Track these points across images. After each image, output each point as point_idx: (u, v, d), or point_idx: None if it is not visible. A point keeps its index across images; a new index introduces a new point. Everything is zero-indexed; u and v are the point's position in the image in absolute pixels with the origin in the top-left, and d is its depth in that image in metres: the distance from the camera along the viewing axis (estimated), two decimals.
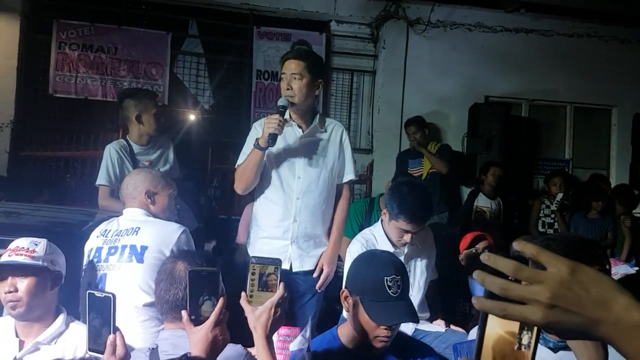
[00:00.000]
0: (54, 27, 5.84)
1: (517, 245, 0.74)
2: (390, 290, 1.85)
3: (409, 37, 6.24)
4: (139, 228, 2.53)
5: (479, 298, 0.72)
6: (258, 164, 2.75)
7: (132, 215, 2.61)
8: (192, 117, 6.29)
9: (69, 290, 2.28)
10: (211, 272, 1.54)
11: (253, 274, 1.52)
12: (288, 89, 2.74)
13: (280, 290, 1.50)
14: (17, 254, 2.09)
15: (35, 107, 5.92)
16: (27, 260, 2.09)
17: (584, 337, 0.71)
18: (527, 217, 5.59)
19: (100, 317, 1.61)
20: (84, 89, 5.87)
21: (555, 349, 1.68)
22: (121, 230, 2.55)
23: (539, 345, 1.64)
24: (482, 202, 5.43)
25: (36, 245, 2.14)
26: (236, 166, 2.87)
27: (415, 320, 1.91)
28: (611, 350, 1.38)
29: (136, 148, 3.45)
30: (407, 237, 2.62)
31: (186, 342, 1.56)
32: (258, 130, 2.82)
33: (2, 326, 2.14)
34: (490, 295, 0.71)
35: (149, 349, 1.77)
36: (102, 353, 1.61)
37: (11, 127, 5.79)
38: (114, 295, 1.60)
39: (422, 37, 6.25)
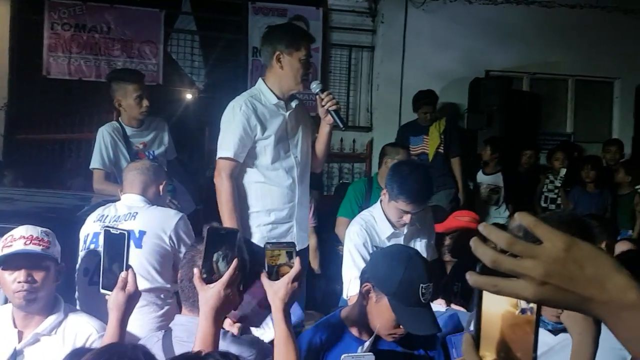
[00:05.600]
0: (46, 7, 5.72)
1: (518, 216, 0.72)
2: (422, 297, 1.84)
3: (408, 11, 6.11)
4: (137, 213, 2.53)
5: (472, 274, 0.70)
6: None
7: (130, 201, 2.60)
8: (187, 96, 6.20)
9: (64, 278, 2.24)
10: (230, 232, 1.57)
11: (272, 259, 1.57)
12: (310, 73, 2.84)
13: (296, 266, 1.57)
14: (33, 244, 2.04)
15: (29, 89, 5.84)
16: (46, 252, 2.06)
17: (578, 312, 0.69)
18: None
19: (114, 254, 1.65)
20: (77, 70, 5.78)
21: (555, 332, 1.65)
22: (119, 216, 2.55)
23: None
24: (480, 178, 5.42)
25: (47, 235, 2.10)
26: (228, 155, 2.75)
27: (439, 330, 1.92)
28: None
29: (129, 130, 3.41)
30: (407, 218, 2.59)
31: None
32: (245, 111, 2.75)
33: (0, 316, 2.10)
34: (483, 270, 0.69)
35: (163, 332, 1.76)
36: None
37: (5, 110, 5.72)
38: (129, 232, 1.66)
39: (421, 10, 6.12)
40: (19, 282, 2.00)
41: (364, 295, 1.91)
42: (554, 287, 0.66)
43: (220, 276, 1.52)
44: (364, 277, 1.96)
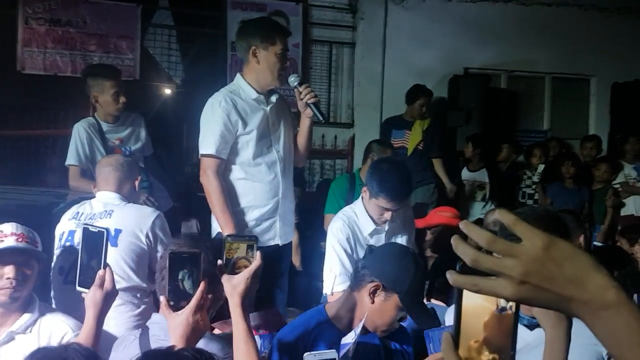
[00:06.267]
0: (20, 1, 5.59)
1: (498, 213, 0.72)
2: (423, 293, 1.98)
3: (388, 8, 6.12)
4: (113, 211, 2.51)
5: (452, 273, 0.70)
6: None
7: (106, 199, 2.56)
8: (165, 91, 6.13)
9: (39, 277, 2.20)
10: (193, 255, 1.51)
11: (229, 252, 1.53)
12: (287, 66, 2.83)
13: (257, 260, 1.52)
14: (25, 241, 2.03)
15: (3, 84, 5.71)
16: (34, 248, 2.06)
17: (557, 311, 0.69)
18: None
19: (92, 252, 1.63)
20: (52, 65, 5.65)
21: (530, 327, 1.66)
22: (95, 214, 2.52)
23: None
24: (465, 175, 5.46)
25: (33, 234, 2.09)
26: (210, 152, 2.71)
27: (440, 323, 2.07)
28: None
29: (105, 126, 3.36)
30: (388, 215, 2.60)
31: None
32: (225, 107, 2.72)
33: None
34: (463, 269, 0.69)
35: (140, 330, 1.74)
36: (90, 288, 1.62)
37: None
38: (107, 230, 1.64)
39: (401, 7, 6.14)
40: (8, 278, 1.98)
41: (371, 296, 1.91)
42: (533, 287, 0.66)
43: (188, 300, 1.47)
44: (367, 277, 1.93)
